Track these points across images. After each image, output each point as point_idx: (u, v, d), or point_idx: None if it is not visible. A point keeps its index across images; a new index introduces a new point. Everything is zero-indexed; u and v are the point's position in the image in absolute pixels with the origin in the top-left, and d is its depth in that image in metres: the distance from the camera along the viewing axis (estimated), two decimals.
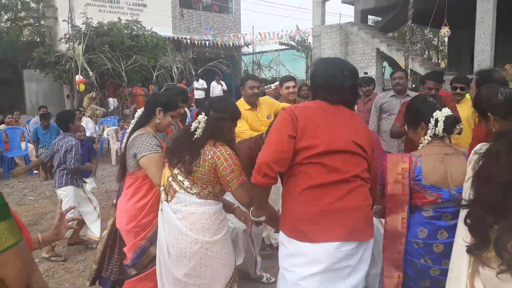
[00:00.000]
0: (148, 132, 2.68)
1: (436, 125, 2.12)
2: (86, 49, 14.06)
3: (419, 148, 2.22)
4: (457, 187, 2.00)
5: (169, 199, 2.34)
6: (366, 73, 13.48)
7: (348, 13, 19.00)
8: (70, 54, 14.15)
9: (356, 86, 2.12)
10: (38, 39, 17.06)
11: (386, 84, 15.83)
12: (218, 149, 2.29)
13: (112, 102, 15.31)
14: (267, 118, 4.07)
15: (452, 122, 2.12)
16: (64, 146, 4.19)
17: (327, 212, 1.90)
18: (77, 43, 13.59)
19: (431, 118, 2.13)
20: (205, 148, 2.30)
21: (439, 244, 2.03)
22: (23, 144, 8.89)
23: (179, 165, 2.33)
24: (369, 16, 17.29)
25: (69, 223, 1.84)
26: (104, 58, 14.29)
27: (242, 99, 4.11)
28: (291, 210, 2.00)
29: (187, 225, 2.25)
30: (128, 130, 2.88)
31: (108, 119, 12.07)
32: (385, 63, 15.01)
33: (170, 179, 2.35)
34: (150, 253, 2.67)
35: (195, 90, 15.65)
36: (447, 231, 2.01)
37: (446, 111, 2.15)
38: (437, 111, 2.15)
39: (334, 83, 2.03)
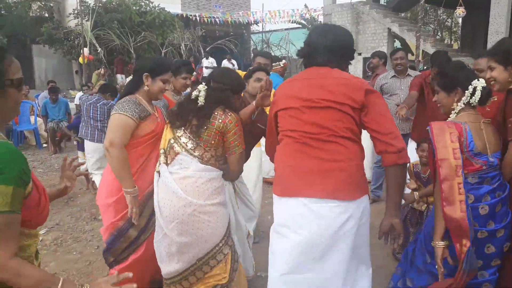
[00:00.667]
0: (134, 98, 2.51)
1: (473, 94, 2.14)
2: (94, 25, 14.02)
3: (451, 115, 2.22)
4: (493, 153, 2.10)
5: (168, 162, 2.34)
6: None
7: None
8: (78, 30, 14.12)
9: (328, 46, 2.03)
10: (47, 15, 17.00)
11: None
12: (229, 114, 2.33)
13: (121, 78, 15.31)
14: None
15: (488, 93, 2.15)
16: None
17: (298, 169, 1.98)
18: (85, 19, 13.54)
19: (470, 86, 2.14)
20: (215, 113, 2.32)
21: (484, 206, 2.09)
22: (32, 118, 8.96)
23: (184, 128, 2.35)
24: None
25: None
26: (113, 34, 14.24)
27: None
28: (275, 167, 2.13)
29: (183, 187, 2.26)
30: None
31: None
32: (396, 44, 14.76)
33: (172, 141, 2.35)
34: (128, 235, 2.52)
35: (204, 68, 15.57)
36: (489, 194, 2.09)
37: (483, 82, 2.15)
38: (476, 80, 2.16)
39: (306, 47, 2.09)
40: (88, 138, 4.80)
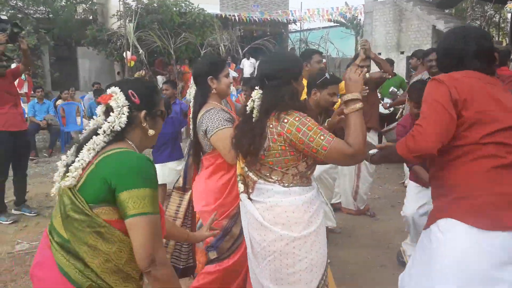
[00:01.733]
0: (214, 106, 2.45)
1: None
2: (136, 27, 14.30)
3: None
4: None
5: (250, 191, 2.04)
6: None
7: None
8: (121, 32, 14.46)
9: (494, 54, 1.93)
10: (91, 17, 17.53)
11: None
12: (285, 121, 1.86)
13: (161, 79, 15.57)
14: None
15: None
16: None
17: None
18: (128, 20, 13.84)
19: None
20: (270, 126, 1.89)
21: None
22: (78, 119, 9.24)
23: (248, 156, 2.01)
24: None
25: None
26: (154, 36, 14.48)
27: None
28: (468, 194, 1.76)
29: (271, 218, 1.92)
30: (190, 116, 2.60)
31: None
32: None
33: (246, 169, 2.05)
34: (233, 233, 2.46)
35: (245, 69, 15.56)
36: None
37: None
38: None
39: (486, 50, 1.89)
40: None
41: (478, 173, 1.75)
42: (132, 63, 13.37)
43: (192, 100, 2.62)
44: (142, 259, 1.38)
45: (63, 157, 1.58)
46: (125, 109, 1.53)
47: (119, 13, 14.91)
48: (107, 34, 15.15)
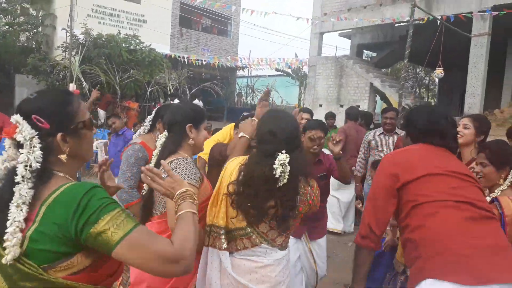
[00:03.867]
0: (185, 157, 2.07)
1: None
2: (82, 60, 14.03)
3: (496, 191, 2.33)
4: None
5: (235, 248, 1.92)
6: (358, 106, 13.66)
7: (344, 46, 19.42)
8: (65, 63, 14.10)
9: (455, 135, 2.12)
10: (34, 46, 17.00)
11: (376, 118, 16.04)
12: (313, 189, 1.96)
13: (103, 114, 15.19)
14: None
15: None
16: None
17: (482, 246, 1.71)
18: (74, 52, 13.57)
19: None
20: (301, 193, 1.91)
21: None
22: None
23: (265, 220, 1.89)
24: (365, 51, 17.69)
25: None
26: (98, 70, 14.27)
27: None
28: (444, 248, 1.71)
29: (258, 277, 1.89)
30: (153, 162, 2.25)
31: (98, 131, 11.93)
32: (377, 98, 15.26)
33: (249, 229, 1.89)
34: None
35: None
36: None
37: None
38: None
39: (439, 129, 2.05)
40: None
41: (448, 227, 1.75)
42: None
43: (158, 147, 2.24)
44: (170, 267, 1.20)
45: None
46: (35, 141, 1.23)
47: (65, 45, 14.60)
48: (50, 64, 14.69)
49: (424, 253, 1.74)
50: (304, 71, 19.96)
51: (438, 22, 10.36)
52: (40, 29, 17.04)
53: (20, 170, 1.21)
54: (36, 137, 1.24)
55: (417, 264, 1.77)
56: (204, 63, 18.90)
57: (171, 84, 16.34)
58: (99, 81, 14.43)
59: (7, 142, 1.28)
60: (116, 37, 15.66)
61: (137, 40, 16.36)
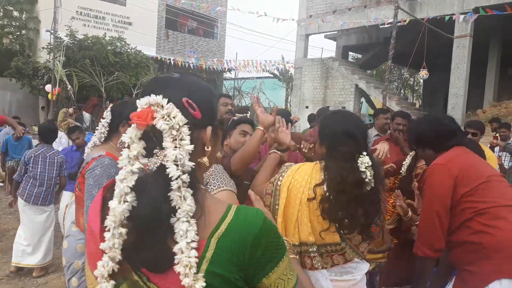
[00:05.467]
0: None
1: None
2: (66, 62, 13.90)
3: None
4: None
5: (328, 266, 1.71)
6: (344, 107, 13.77)
7: (330, 48, 19.57)
8: (49, 65, 13.95)
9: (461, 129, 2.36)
10: (18, 48, 16.79)
11: (362, 119, 16.15)
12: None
13: (88, 117, 15.04)
14: None
15: None
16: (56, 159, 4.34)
17: None
18: (58, 55, 13.42)
19: None
20: (382, 198, 1.80)
21: None
22: None
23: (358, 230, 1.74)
24: (350, 53, 17.83)
25: None
26: (80, 73, 14.13)
27: None
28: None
29: None
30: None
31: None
32: (362, 99, 15.39)
33: (343, 244, 1.70)
34: None
35: None
36: None
37: None
38: None
39: (448, 131, 2.25)
40: None
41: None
42: (54, 96, 12.79)
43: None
44: None
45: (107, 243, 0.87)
46: (185, 131, 0.88)
47: (48, 47, 14.44)
48: (33, 67, 14.52)
49: (497, 255, 1.87)
50: (291, 73, 20.05)
51: (421, 22, 10.50)
52: (23, 31, 16.85)
53: (173, 170, 0.85)
54: (186, 126, 0.88)
55: (483, 265, 1.90)
56: (190, 65, 18.87)
57: None
58: (84, 83, 14.31)
59: (130, 132, 0.88)
60: (101, 40, 15.55)
61: (123, 43, 16.27)
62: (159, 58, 18.22)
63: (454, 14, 10.77)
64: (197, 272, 0.84)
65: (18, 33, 16.74)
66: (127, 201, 0.86)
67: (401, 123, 4.47)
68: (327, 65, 14.56)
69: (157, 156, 0.88)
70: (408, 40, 11.24)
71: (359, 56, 17.58)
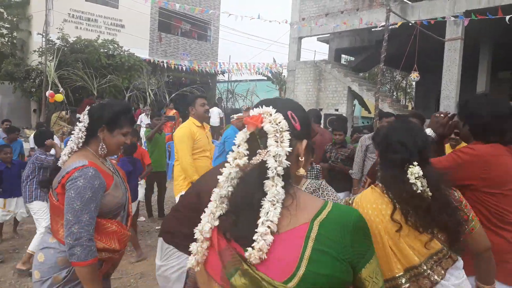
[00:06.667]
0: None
1: None
2: (58, 65, 13.82)
3: None
4: None
5: (443, 275, 1.68)
6: (337, 109, 13.82)
7: (322, 51, 19.64)
8: (41, 68, 13.87)
9: None
10: (9, 51, 16.67)
11: (355, 121, 16.25)
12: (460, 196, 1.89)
13: None
14: (212, 143, 4.26)
15: None
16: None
17: None
18: (50, 58, 13.35)
19: None
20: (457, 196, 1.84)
21: None
22: None
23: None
24: (343, 55, 17.91)
25: None
26: (74, 76, 14.06)
27: (190, 118, 4.13)
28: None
29: None
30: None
31: None
32: (355, 101, 15.46)
33: (445, 249, 1.68)
34: None
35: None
36: None
37: None
38: None
39: (503, 124, 2.11)
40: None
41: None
42: (60, 96, 12.73)
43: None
44: None
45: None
46: (286, 136, 1.05)
47: (40, 49, 14.36)
48: (25, 70, 14.43)
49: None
50: (284, 76, 20.09)
51: (412, 25, 10.59)
52: (15, 34, 16.74)
53: (271, 162, 1.02)
54: (287, 132, 1.05)
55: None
56: (184, 68, 18.85)
57: (150, 89, 16.23)
58: (77, 86, 14.24)
59: (240, 135, 1.09)
60: (93, 42, 15.49)
61: (115, 45, 16.22)
62: (152, 61, 18.18)
63: (445, 17, 10.87)
64: (305, 248, 0.97)
65: (10, 35, 16.62)
66: (229, 187, 1.07)
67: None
68: (320, 68, 14.62)
69: (259, 154, 1.04)
70: (400, 43, 11.32)
71: (352, 58, 17.67)
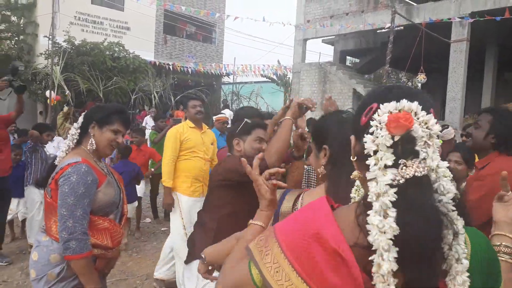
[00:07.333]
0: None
1: None
2: (64, 67, 13.91)
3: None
4: None
5: None
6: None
7: (327, 53, 19.63)
8: (47, 71, 13.96)
9: None
10: (17, 54, 16.79)
11: None
12: None
13: None
14: (211, 145, 4.23)
15: None
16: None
17: None
18: (56, 61, 13.44)
19: None
20: None
21: None
22: None
23: None
24: (348, 57, 17.90)
25: None
26: (79, 79, 14.14)
27: (186, 120, 4.22)
28: None
29: None
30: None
31: None
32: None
33: None
34: None
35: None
36: None
37: None
38: None
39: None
40: None
41: None
42: (53, 102, 12.81)
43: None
44: None
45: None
46: (437, 142, 0.82)
47: (47, 52, 14.46)
48: (32, 72, 14.54)
49: None
50: (289, 77, 20.09)
51: (418, 26, 10.56)
52: (22, 37, 16.85)
53: (448, 184, 0.81)
54: (438, 140, 0.82)
55: None
56: (189, 70, 18.90)
57: (155, 91, 16.29)
58: (82, 89, 14.32)
59: (381, 138, 0.80)
60: (99, 45, 15.59)
61: (121, 48, 16.31)
62: (157, 63, 18.26)
63: (450, 19, 10.84)
64: None
65: (17, 38, 16.74)
66: (391, 216, 0.75)
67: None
68: (325, 70, 14.61)
69: (406, 166, 0.78)
70: (406, 45, 11.30)
71: (357, 60, 17.64)
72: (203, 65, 19.60)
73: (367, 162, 0.81)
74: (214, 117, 5.89)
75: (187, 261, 2.49)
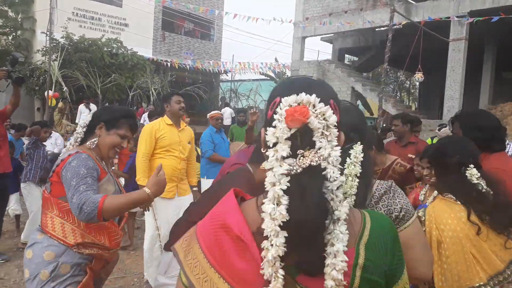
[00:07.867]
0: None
1: None
2: (62, 64, 13.86)
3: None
4: None
5: None
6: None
7: (326, 51, 19.60)
8: (45, 67, 13.90)
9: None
10: (14, 49, 16.71)
11: None
12: None
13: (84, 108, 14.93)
14: (188, 144, 4.06)
15: None
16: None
17: None
18: (54, 57, 13.39)
19: None
20: None
21: None
22: None
23: None
24: (346, 55, 17.88)
25: None
26: (79, 75, 14.09)
27: (165, 116, 4.03)
28: None
29: None
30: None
31: None
32: (358, 102, 15.42)
33: None
34: None
35: None
36: None
37: None
38: None
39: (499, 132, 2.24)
40: None
41: None
42: (54, 101, 12.75)
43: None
44: None
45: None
46: (334, 132, 0.86)
47: (44, 49, 14.39)
48: (29, 68, 14.47)
49: None
50: (287, 75, 20.07)
51: (416, 25, 10.55)
52: (19, 32, 16.77)
53: (334, 171, 0.83)
54: (335, 129, 0.86)
55: None
56: (187, 67, 18.85)
57: (153, 88, 16.25)
58: (81, 85, 14.27)
59: (279, 131, 0.84)
60: (97, 41, 15.53)
61: (119, 44, 16.25)
62: (155, 60, 18.20)
63: (449, 17, 10.83)
64: (353, 278, 0.83)
65: (14, 33, 16.65)
66: (283, 204, 0.81)
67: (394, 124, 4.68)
68: (323, 68, 14.59)
69: (303, 156, 0.83)
70: (404, 43, 11.29)
71: (355, 58, 17.63)
72: (201, 62, 19.54)
73: (266, 153, 0.85)
74: (208, 115, 5.82)
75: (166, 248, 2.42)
